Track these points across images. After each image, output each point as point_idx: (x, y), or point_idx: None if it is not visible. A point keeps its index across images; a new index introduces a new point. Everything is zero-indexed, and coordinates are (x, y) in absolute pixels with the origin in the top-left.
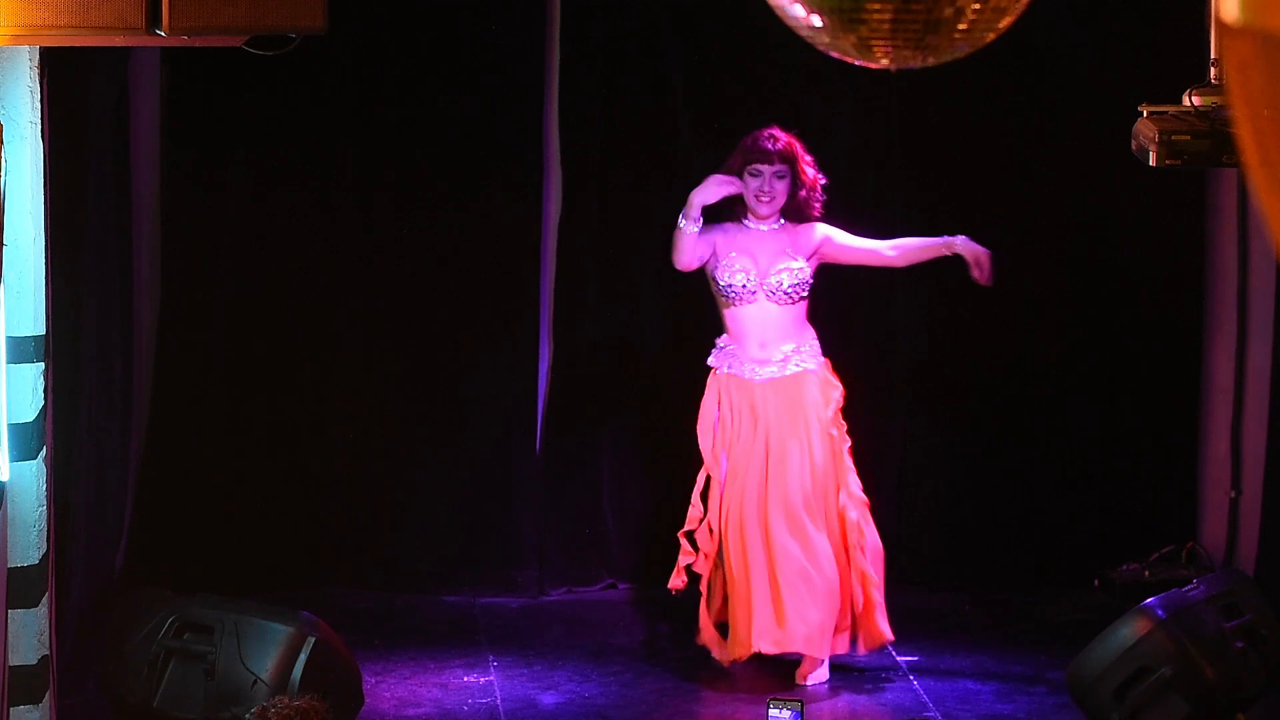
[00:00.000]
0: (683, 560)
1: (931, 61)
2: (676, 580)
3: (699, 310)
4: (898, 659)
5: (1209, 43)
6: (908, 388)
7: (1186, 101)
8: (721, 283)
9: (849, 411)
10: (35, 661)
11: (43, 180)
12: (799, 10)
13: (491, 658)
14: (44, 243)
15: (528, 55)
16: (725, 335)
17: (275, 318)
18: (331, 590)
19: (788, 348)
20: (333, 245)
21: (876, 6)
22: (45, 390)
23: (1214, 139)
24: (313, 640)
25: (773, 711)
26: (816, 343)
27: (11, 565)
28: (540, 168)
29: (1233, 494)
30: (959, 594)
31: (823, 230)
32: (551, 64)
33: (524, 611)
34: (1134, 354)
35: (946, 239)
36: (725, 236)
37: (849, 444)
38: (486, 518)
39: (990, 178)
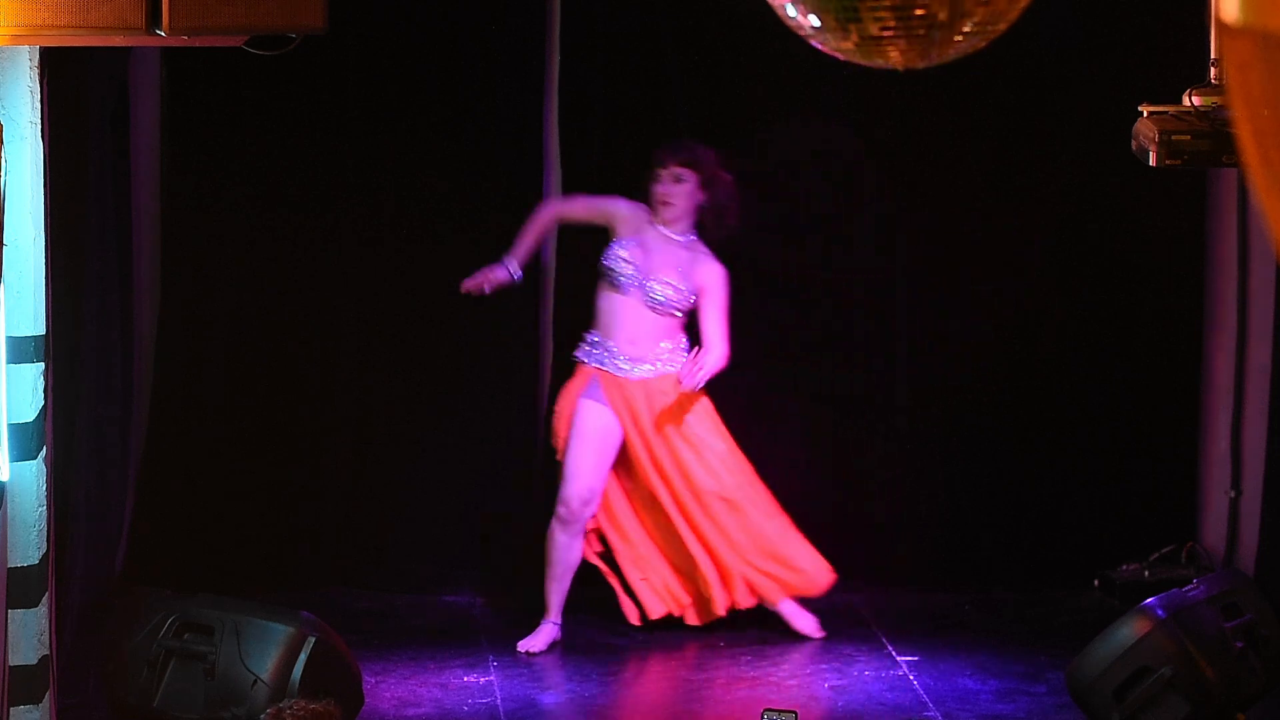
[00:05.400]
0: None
1: (933, 62)
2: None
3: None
4: (898, 659)
5: (1209, 43)
6: (907, 387)
7: (1186, 101)
8: (604, 263)
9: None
10: (35, 661)
11: (43, 180)
12: (798, 10)
13: (491, 658)
14: (44, 243)
15: (528, 55)
16: (595, 329)
17: (275, 317)
18: (331, 590)
19: (664, 345)
20: (333, 244)
21: (878, 7)
22: (45, 390)
23: (1214, 139)
24: (313, 640)
25: None
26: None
27: (11, 565)
28: (540, 168)
29: (1233, 494)
30: (959, 594)
31: (714, 280)
32: (551, 63)
33: (524, 611)
34: (1134, 354)
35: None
36: (631, 219)
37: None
38: (486, 518)
39: (990, 177)
